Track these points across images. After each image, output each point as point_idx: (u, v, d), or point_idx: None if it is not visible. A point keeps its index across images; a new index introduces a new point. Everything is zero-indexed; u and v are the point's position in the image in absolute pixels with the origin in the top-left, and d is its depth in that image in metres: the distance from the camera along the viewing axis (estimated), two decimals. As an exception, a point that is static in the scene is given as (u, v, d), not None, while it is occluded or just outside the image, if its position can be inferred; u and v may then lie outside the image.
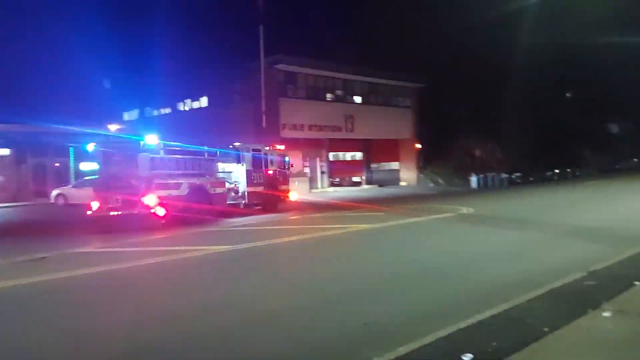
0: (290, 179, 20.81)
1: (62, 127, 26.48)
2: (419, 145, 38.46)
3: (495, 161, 40.38)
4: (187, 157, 15.57)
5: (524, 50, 37.92)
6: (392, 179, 38.49)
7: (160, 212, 13.68)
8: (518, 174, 37.05)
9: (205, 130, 29.49)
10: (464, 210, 17.45)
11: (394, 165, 39.58)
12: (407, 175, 38.93)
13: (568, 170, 42.68)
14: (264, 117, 27.85)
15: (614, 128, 63.69)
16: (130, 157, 14.36)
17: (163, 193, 13.92)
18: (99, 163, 15.41)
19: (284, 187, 19.52)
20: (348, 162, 37.30)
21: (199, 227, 13.82)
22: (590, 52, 38.76)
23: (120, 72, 37.44)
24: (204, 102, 34.32)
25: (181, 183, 14.69)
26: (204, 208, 14.84)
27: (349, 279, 7.68)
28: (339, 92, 34.11)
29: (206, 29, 39.54)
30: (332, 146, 35.20)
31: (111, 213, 14.05)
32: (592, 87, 46.87)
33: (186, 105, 35.92)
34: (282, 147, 20.53)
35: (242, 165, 17.39)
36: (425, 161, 38.99)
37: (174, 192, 14.32)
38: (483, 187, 32.72)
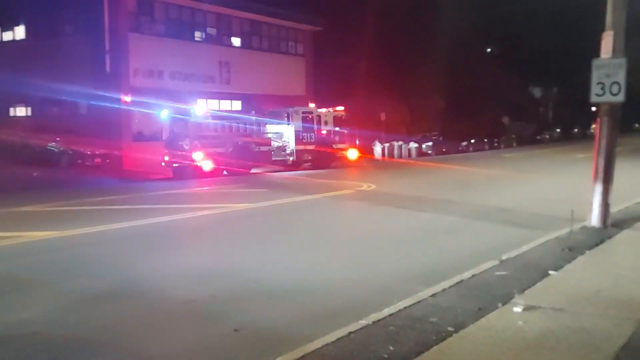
0: (349, 138, 28.04)
1: None
2: (313, 105, 38.88)
3: (403, 127, 42.19)
4: (233, 121, 24.26)
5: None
6: (279, 146, 38.84)
7: (207, 165, 21.40)
8: (429, 144, 39.19)
9: (22, 69, 27.13)
10: (365, 186, 18.11)
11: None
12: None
13: (485, 140, 45.93)
14: (107, 57, 26.29)
15: (537, 92, 69.19)
16: (184, 122, 22.90)
17: (209, 150, 21.65)
18: (168, 126, 23.71)
19: (340, 145, 26.16)
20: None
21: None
22: (516, 7, 41.70)
23: None
24: (19, 32, 31.48)
25: (225, 142, 22.45)
26: (247, 163, 22.49)
27: (216, 273, 7.64)
28: (211, 31, 33.14)
29: None
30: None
31: (174, 165, 22.42)
32: (515, 46, 50.55)
33: (-6, 36, 32.74)
34: (341, 108, 28.35)
35: (291, 126, 24.55)
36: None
37: (219, 150, 22.04)
38: (389, 158, 34.21)
